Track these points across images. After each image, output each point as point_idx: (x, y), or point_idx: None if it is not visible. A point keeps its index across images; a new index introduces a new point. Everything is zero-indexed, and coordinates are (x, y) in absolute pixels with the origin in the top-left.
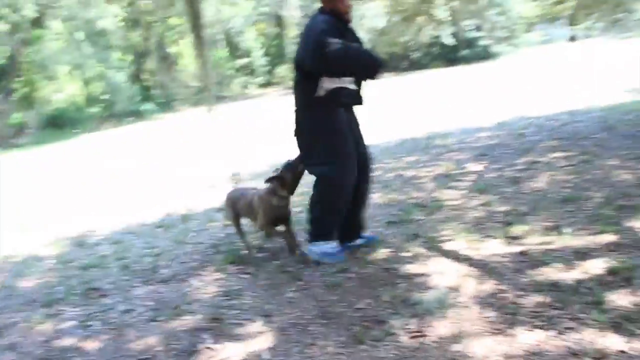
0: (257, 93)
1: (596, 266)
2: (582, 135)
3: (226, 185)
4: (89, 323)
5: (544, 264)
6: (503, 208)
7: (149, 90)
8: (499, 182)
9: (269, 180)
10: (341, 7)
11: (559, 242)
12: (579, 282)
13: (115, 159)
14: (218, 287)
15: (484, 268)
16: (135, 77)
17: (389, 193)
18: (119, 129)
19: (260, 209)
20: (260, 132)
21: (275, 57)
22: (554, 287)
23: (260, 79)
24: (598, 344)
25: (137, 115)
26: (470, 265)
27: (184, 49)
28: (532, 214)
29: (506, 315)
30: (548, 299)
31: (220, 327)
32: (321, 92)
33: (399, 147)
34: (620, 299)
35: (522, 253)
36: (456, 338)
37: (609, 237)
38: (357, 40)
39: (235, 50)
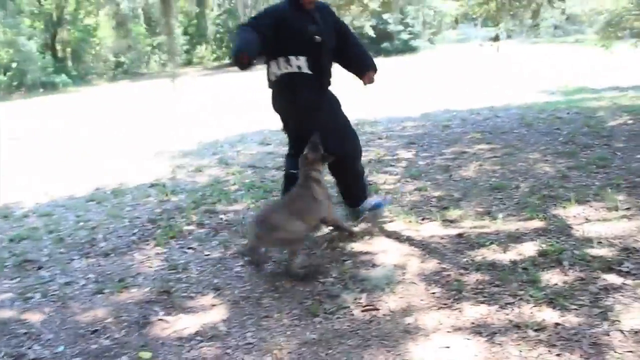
0: (177, 72)
1: (528, 248)
2: (504, 130)
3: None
4: (28, 295)
5: (481, 245)
6: (437, 193)
7: (62, 61)
8: (430, 169)
9: (311, 153)
10: None
11: (492, 226)
12: (515, 262)
13: (29, 131)
14: (162, 261)
15: (426, 248)
16: (48, 47)
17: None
18: (29, 100)
19: (321, 198)
20: (182, 111)
21: (195, 36)
22: (492, 266)
23: (179, 58)
24: (537, 318)
25: (50, 87)
26: (412, 245)
27: (101, 20)
28: (465, 200)
29: (451, 291)
30: (488, 277)
31: (170, 299)
32: (272, 77)
33: None
34: (553, 278)
35: (459, 235)
36: (406, 312)
37: (538, 223)
38: (314, 24)
39: (154, 27)
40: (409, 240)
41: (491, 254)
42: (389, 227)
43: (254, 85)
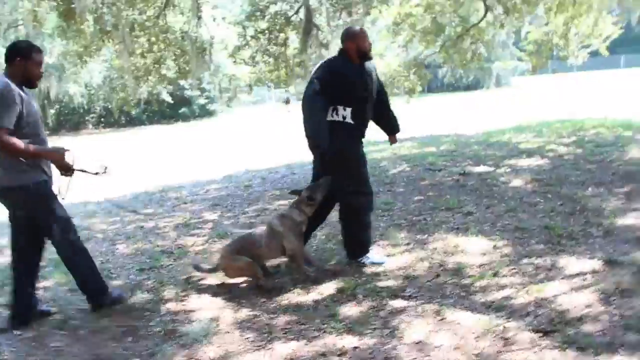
0: None
1: (328, 288)
2: (301, 186)
3: None
4: None
5: (287, 291)
6: None
7: None
8: (235, 228)
9: (295, 192)
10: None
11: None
12: (317, 301)
13: None
14: None
15: (238, 300)
16: None
17: (134, 243)
18: None
19: (287, 229)
20: None
21: None
22: (297, 307)
23: None
24: (339, 345)
25: None
26: (225, 299)
27: None
28: None
29: (263, 334)
30: (295, 318)
31: None
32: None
33: (134, 201)
34: (350, 310)
35: None
36: (225, 358)
37: (335, 266)
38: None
39: None
40: (222, 295)
41: (296, 297)
42: (202, 285)
43: None
